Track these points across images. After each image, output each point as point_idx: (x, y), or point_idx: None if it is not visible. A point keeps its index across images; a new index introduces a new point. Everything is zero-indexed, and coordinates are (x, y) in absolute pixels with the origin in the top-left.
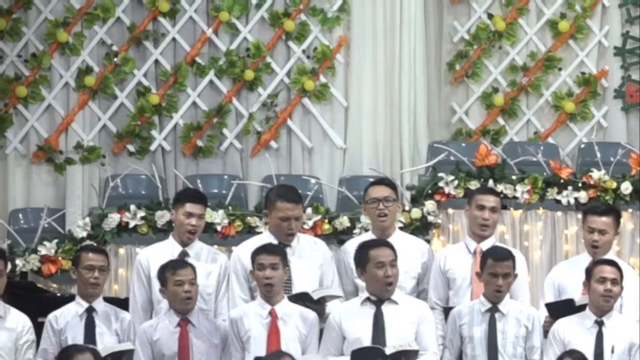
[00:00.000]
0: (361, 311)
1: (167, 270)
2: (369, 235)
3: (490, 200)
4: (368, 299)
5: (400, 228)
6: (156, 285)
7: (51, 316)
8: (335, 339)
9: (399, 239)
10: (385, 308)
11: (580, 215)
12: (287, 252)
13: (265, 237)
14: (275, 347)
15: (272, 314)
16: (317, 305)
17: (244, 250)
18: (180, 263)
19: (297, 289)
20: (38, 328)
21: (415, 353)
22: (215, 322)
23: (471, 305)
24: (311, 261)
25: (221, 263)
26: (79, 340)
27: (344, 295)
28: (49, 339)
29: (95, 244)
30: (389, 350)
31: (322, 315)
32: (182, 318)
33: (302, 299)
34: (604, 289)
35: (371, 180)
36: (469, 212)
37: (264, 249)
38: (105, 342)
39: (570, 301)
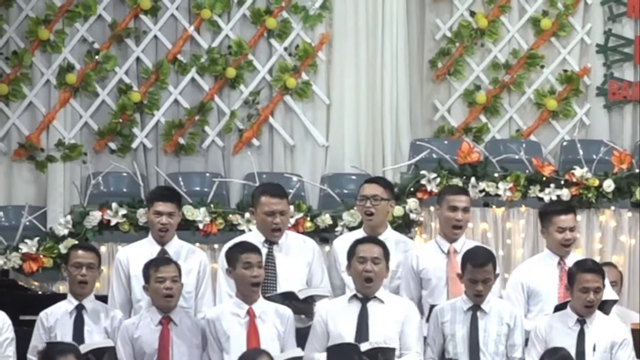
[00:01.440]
0: (347, 308)
1: (150, 267)
2: (359, 232)
3: (462, 201)
4: (355, 296)
5: None
6: (135, 283)
7: (42, 314)
8: (320, 335)
9: (388, 238)
10: (371, 306)
11: None
12: (274, 248)
13: (253, 235)
14: (255, 346)
15: (250, 313)
16: (304, 304)
17: None
18: (164, 260)
19: (282, 286)
20: (20, 326)
21: (392, 351)
22: (197, 321)
23: (453, 303)
24: (298, 259)
25: (200, 260)
26: (68, 338)
27: (331, 295)
28: (40, 337)
29: (85, 242)
30: (364, 346)
31: (311, 315)
32: (163, 316)
33: (289, 298)
34: (586, 298)
35: (354, 178)
36: (439, 212)
37: (250, 248)
38: (94, 340)
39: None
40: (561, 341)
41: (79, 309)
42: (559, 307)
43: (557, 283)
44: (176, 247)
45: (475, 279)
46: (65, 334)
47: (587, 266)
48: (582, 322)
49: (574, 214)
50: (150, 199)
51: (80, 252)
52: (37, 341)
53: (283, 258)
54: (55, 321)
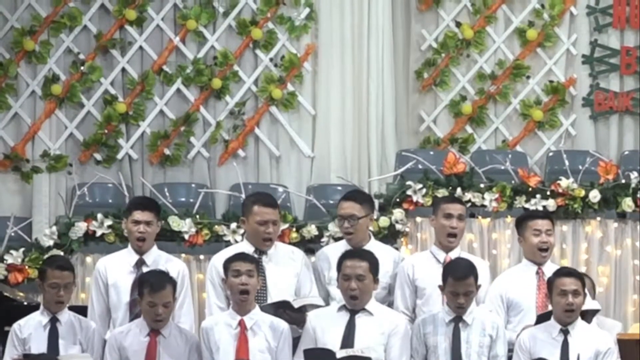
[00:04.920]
0: (336, 318)
1: (145, 287)
2: (343, 243)
3: (457, 208)
4: (344, 306)
5: None
6: (113, 293)
7: (15, 325)
8: (309, 343)
9: (372, 249)
10: (359, 318)
11: None
12: (263, 259)
13: (243, 245)
14: (244, 358)
15: (241, 324)
16: (298, 313)
17: (221, 259)
18: (158, 285)
19: (272, 296)
20: (4, 336)
21: None
22: (187, 334)
23: (435, 314)
24: (287, 269)
25: (179, 270)
26: (43, 350)
27: (324, 304)
28: (14, 349)
29: (61, 258)
30: (340, 354)
31: (303, 325)
32: (152, 328)
33: (283, 306)
34: (565, 302)
35: (339, 188)
36: (435, 222)
37: (239, 257)
38: (69, 353)
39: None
40: (545, 352)
41: (53, 321)
42: (542, 317)
43: (535, 292)
44: (154, 256)
45: (456, 292)
46: (40, 347)
47: (564, 270)
48: (565, 332)
49: (550, 220)
50: (128, 208)
51: (57, 272)
52: (12, 353)
53: (273, 268)
54: (29, 334)
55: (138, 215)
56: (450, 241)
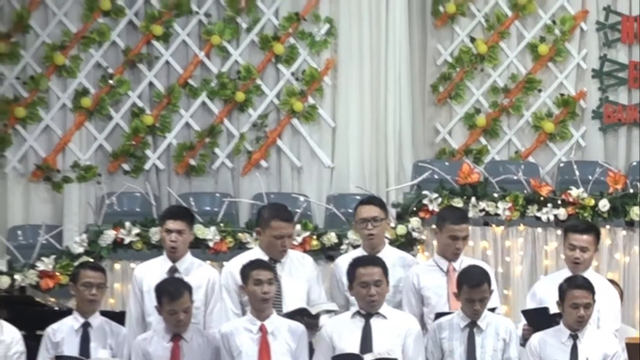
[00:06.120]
0: (351, 324)
1: (164, 296)
2: (359, 251)
3: (463, 230)
4: (358, 312)
5: None
6: (147, 299)
7: (49, 329)
8: (325, 350)
9: (387, 254)
10: (374, 322)
11: (559, 232)
12: (277, 267)
13: (256, 252)
14: None
15: (262, 329)
16: (315, 319)
17: (236, 265)
18: (176, 293)
19: (287, 303)
20: (37, 341)
21: None
22: (208, 337)
23: (450, 319)
24: (300, 276)
25: (209, 277)
26: (74, 354)
27: (338, 309)
28: (47, 352)
29: (93, 262)
30: (368, 357)
31: (317, 329)
32: (175, 333)
33: (301, 313)
34: (577, 314)
35: (358, 197)
36: (439, 236)
37: (259, 265)
38: (98, 356)
39: (544, 309)
40: (555, 356)
41: (85, 326)
42: (526, 313)
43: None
44: (187, 263)
45: (472, 299)
46: (71, 351)
47: (576, 282)
48: (574, 337)
49: (592, 235)
50: (162, 217)
51: (90, 272)
52: (44, 356)
53: (287, 277)
54: (62, 338)
55: (170, 224)
56: (455, 256)
